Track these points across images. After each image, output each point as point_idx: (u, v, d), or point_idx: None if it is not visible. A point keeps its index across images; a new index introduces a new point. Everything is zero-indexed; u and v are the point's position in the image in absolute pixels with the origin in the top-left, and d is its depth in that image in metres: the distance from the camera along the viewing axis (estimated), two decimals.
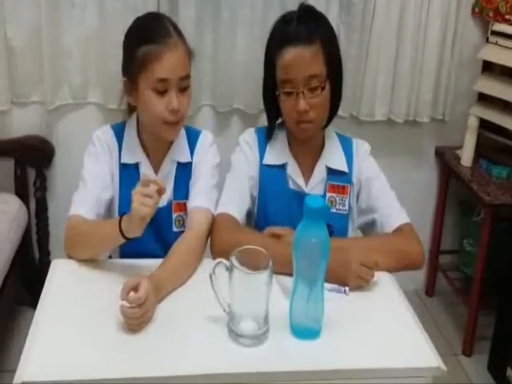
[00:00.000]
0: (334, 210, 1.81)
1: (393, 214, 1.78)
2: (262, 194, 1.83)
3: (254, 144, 1.84)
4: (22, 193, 2.68)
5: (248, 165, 1.82)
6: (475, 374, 2.66)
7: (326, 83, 1.69)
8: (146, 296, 1.37)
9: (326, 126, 1.82)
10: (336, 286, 1.54)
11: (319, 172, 1.82)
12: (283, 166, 1.82)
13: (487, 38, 2.70)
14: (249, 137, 1.86)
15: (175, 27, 1.71)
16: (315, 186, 1.81)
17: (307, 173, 1.82)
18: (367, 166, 1.84)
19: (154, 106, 1.66)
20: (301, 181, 1.81)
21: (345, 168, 1.82)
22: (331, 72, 1.71)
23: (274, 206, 1.81)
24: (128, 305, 1.36)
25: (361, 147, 1.86)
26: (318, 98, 1.68)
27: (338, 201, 1.81)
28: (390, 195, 1.82)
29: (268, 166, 1.83)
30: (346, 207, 1.82)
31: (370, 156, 1.86)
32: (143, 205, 1.44)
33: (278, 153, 1.83)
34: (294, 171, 1.82)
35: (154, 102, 1.65)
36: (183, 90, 1.68)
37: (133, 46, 1.67)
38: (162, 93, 1.65)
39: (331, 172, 1.82)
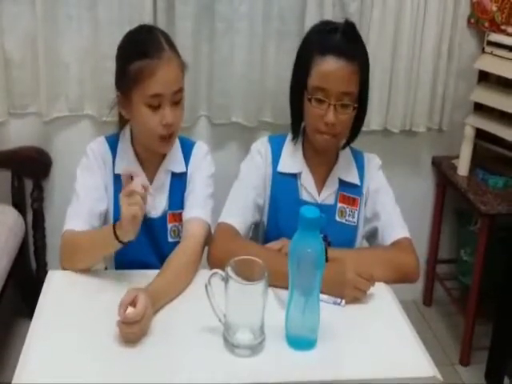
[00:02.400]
0: (344, 221, 1.82)
1: (394, 226, 1.79)
2: (272, 203, 1.84)
3: (266, 152, 1.84)
4: (19, 204, 2.67)
5: (256, 174, 1.82)
6: (473, 383, 2.65)
7: (356, 104, 1.71)
8: (144, 312, 1.36)
9: (345, 146, 1.84)
10: (332, 297, 1.54)
11: (332, 183, 1.83)
12: (296, 176, 1.83)
13: (483, 49, 2.70)
14: (261, 145, 1.86)
15: (167, 40, 1.70)
16: (327, 196, 1.82)
17: (320, 184, 1.83)
18: (377, 179, 1.86)
19: (147, 121, 1.66)
20: (314, 191, 1.82)
21: (357, 181, 1.84)
22: (360, 96, 1.73)
23: (285, 216, 1.81)
24: (125, 320, 1.35)
25: (372, 161, 1.88)
26: (346, 116, 1.70)
27: (348, 212, 1.82)
28: (395, 209, 1.83)
29: (281, 174, 1.83)
30: (355, 219, 1.83)
31: (380, 170, 1.88)
32: (131, 204, 1.45)
33: (292, 161, 1.84)
34: (307, 181, 1.82)
35: (148, 117, 1.65)
36: (176, 103, 1.68)
37: (125, 60, 1.67)
38: (155, 107, 1.65)
39: (343, 184, 1.83)
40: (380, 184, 1.85)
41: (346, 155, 1.86)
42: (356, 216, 1.83)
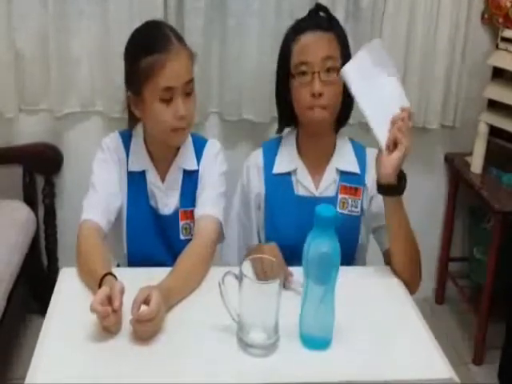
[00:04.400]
0: (346, 212, 1.79)
1: None
2: (269, 205, 1.83)
3: (259, 164, 1.84)
4: (30, 200, 2.68)
5: (242, 193, 1.87)
6: (485, 383, 2.62)
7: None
8: (157, 310, 1.35)
9: (339, 128, 1.82)
10: None
11: (329, 175, 1.80)
12: (290, 174, 1.82)
13: (497, 45, 2.68)
14: (253, 160, 1.87)
15: (175, 33, 1.69)
16: (326, 188, 1.80)
17: (317, 176, 1.81)
18: None
19: (162, 116, 1.65)
20: (310, 185, 1.80)
21: (356, 169, 1.81)
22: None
23: (282, 215, 1.80)
24: (139, 318, 1.34)
25: (375, 154, 1.83)
26: (332, 80, 1.68)
27: (350, 202, 1.80)
28: None
29: (276, 175, 1.82)
30: (359, 209, 1.80)
31: None
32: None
33: (287, 160, 1.83)
34: (303, 176, 1.81)
35: (162, 111, 1.64)
36: (188, 94, 1.67)
37: (134, 58, 1.66)
38: (168, 101, 1.64)
39: (343, 174, 1.81)
40: None
41: (344, 146, 1.84)
42: (359, 206, 1.80)
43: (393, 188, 1.58)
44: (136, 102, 1.70)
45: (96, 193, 1.73)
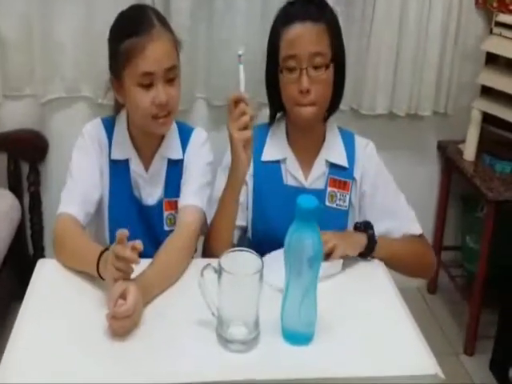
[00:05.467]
0: (334, 205, 1.77)
1: (407, 225, 1.76)
2: (257, 193, 1.79)
3: None
4: (15, 188, 2.63)
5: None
6: (477, 373, 2.60)
7: (330, 65, 1.66)
8: (134, 307, 1.31)
9: (328, 117, 1.78)
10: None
11: (319, 166, 1.77)
12: (279, 162, 1.78)
13: (491, 29, 2.63)
14: None
15: (158, 16, 1.64)
16: (315, 180, 1.77)
17: (306, 167, 1.78)
18: (373, 167, 1.79)
19: (140, 102, 1.60)
20: (300, 176, 1.76)
21: (345, 163, 1.77)
22: (335, 58, 1.67)
23: (271, 204, 1.77)
24: (116, 315, 1.30)
25: (366, 147, 1.81)
26: (321, 77, 1.64)
27: (338, 196, 1.77)
28: (400, 200, 1.79)
29: (265, 162, 1.78)
30: (347, 203, 1.78)
31: (376, 156, 1.81)
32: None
33: (276, 148, 1.79)
34: (292, 166, 1.77)
35: (141, 97, 1.59)
36: (170, 81, 1.62)
37: (116, 41, 1.62)
38: (147, 87, 1.59)
39: (332, 166, 1.77)
40: (379, 175, 1.79)
41: (333, 137, 1.80)
42: (347, 200, 1.78)
43: (364, 253, 1.62)
44: (117, 87, 1.66)
45: (73, 183, 1.68)
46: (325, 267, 1.43)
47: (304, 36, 1.64)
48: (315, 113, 1.69)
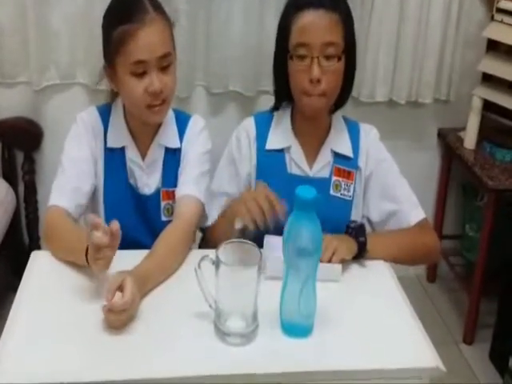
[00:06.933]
0: (339, 195, 1.74)
1: (409, 209, 1.74)
2: (259, 180, 1.75)
3: (250, 135, 1.76)
4: (9, 176, 2.61)
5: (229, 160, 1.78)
6: (476, 362, 2.59)
7: (342, 57, 1.62)
8: (132, 300, 1.29)
9: (336, 109, 1.75)
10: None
11: (324, 156, 1.74)
12: (283, 151, 1.75)
13: (492, 16, 2.60)
14: (243, 130, 1.78)
15: (153, 1, 1.59)
16: (320, 169, 1.74)
17: (311, 156, 1.75)
18: (378, 154, 1.77)
19: (133, 91, 1.56)
20: (305, 165, 1.74)
21: (350, 153, 1.75)
22: (347, 50, 1.63)
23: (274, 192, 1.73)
24: (113, 308, 1.27)
25: (369, 133, 1.78)
26: (332, 68, 1.60)
27: (343, 185, 1.75)
28: (404, 186, 1.77)
29: (269, 151, 1.75)
30: (351, 193, 1.75)
31: (379, 142, 1.79)
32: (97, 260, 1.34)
33: (281, 136, 1.76)
34: (297, 154, 1.74)
35: (133, 86, 1.55)
36: (164, 68, 1.58)
37: (109, 28, 1.58)
38: (141, 75, 1.55)
39: (337, 156, 1.75)
40: (382, 159, 1.77)
41: (338, 124, 1.77)
42: (351, 190, 1.75)
43: (358, 255, 1.58)
44: (111, 75, 1.62)
45: (64, 174, 1.65)
46: (325, 272, 1.41)
47: (317, 24, 1.59)
48: (324, 103, 1.66)
